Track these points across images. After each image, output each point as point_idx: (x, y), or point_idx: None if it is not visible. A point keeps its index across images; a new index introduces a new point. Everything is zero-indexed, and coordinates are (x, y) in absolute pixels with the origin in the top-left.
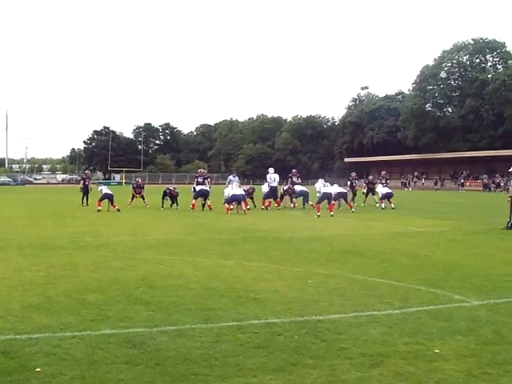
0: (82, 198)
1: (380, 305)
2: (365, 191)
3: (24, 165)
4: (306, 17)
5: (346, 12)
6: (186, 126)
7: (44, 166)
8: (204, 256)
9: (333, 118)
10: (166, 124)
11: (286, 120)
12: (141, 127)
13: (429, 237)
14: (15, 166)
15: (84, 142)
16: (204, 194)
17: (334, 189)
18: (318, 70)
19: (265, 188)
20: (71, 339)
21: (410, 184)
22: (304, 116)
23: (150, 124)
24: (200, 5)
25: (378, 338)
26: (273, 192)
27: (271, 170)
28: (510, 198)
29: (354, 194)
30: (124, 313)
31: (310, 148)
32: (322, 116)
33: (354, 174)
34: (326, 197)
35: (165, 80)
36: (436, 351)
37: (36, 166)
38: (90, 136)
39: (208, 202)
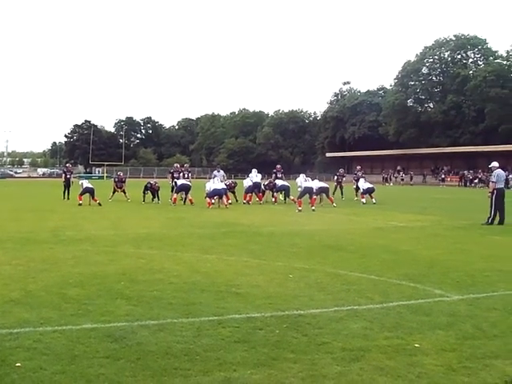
0: (64, 192)
1: (361, 299)
2: (335, 184)
3: (4, 158)
4: (289, 11)
5: (329, 7)
6: (168, 119)
7: (25, 160)
8: (185, 250)
9: (315, 113)
10: (147, 118)
11: (267, 115)
12: (122, 121)
13: (409, 232)
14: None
15: (65, 135)
16: (185, 188)
17: (316, 183)
18: (300, 64)
19: (247, 182)
20: (52, 334)
21: (391, 179)
22: (286, 111)
23: (131, 118)
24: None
25: (359, 333)
26: (255, 187)
27: (254, 170)
28: (489, 194)
29: (341, 190)
30: (105, 307)
31: (291, 143)
32: (304, 111)
33: (341, 171)
34: (307, 191)
35: (146, 74)
36: (416, 345)
37: (17, 160)
38: (71, 130)
39: (189, 197)
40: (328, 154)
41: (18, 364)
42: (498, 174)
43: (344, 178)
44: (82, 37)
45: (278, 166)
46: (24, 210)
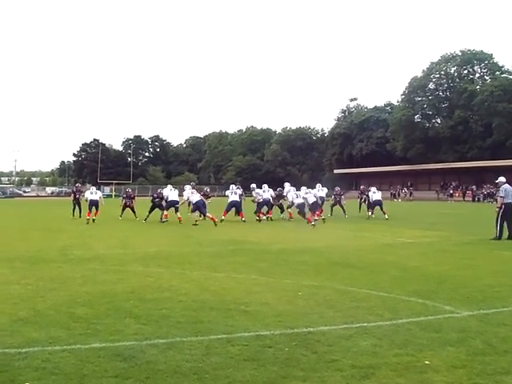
0: (73, 211)
1: (370, 316)
2: (332, 203)
3: (13, 178)
4: (296, 29)
5: (335, 24)
6: (176, 138)
7: (33, 179)
8: (193, 268)
9: (322, 130)
10: (155, 136)
11: (275, 132)
12: (130, 139)
13: (418, 248)
14: (4, 179)
15: (73, 154)
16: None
17: (310, 198)
18: (307, 81)
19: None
20: (61, 353)
21: (399, 195)
22: (293, 128)
23: (139, 136)
24: (189, 16)
25: (369, 350)
26: (266, 203)
27: (265, 186)
28: (497, 209)
29: (342, 209)
30: (114, 326)
31: (299, 159)
32: (312, 128)
33: (337, 189)
34: (299, 207)
35: (154, 92)
36: (426, 362)
37: (25, 179)
38: (80, 148)
39: (178, 215)
40: (336, 171)
41: None
42: (506, 188)
43: (343, 196)
44: (90, 57)
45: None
46: (32, 229)
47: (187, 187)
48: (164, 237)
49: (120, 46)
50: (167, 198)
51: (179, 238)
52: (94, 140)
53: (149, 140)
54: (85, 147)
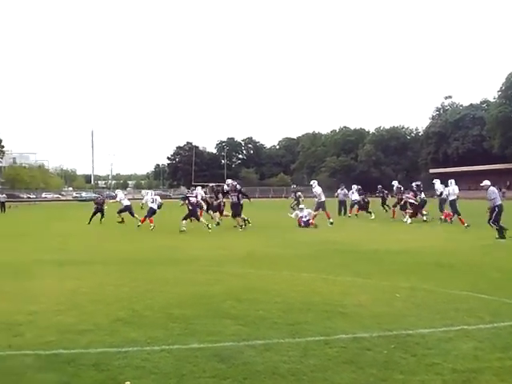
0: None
1: (470, 319)
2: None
3: (109, 181)
4: (394, 28)
5: (428, 21)
6: (269, 139)
7: (129, 182)
8: (288, 270)
9: (416, 129)
10: (248, 138)
11: (368, 132)
12: (224, 142)
13: None
14: (101, 183)
15: (168, 157)
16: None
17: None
18: (401, 80)
19: (355, 197)
20: (159, 353)
21: None
22: (387, 127)
23: (232, 138)
24: (279, 19)
25: (469, 354)
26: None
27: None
28: (489, 210)
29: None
30: (211, 327)
31: (393, 160)
32: (406, 127)
33: (380, 187)
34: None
35: (247, 95)
36: None
37: (121, 182)
38: (174, 152)
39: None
40: (431, 170)
41: (127, 382)
42: (494, 190)
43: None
44: (183, 63)
45: (380, 187)
46: (127, 231)
47: (144, 192)
48: (258, 238)
49: (214, 50)
50: (120, 201)
51: (273, 239)
52: (188, 143)
53: (242, 142)
54: (179, 150)
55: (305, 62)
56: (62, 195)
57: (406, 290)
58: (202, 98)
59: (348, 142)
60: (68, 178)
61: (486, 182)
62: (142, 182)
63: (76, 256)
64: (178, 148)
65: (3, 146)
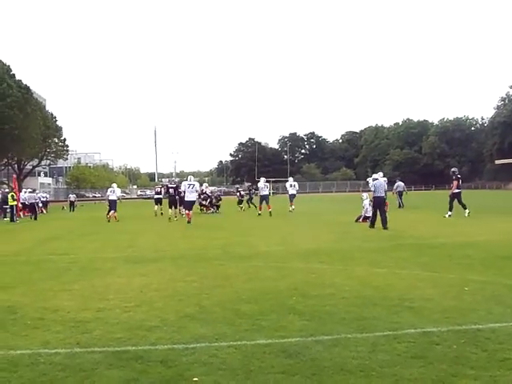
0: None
1: None
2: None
3: (173, 178)
4: (458, 17)
5: (492, 10)
6: (331, 133)
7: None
8: (354, 264)
9: (482, 119)
10: (310, 133)
11: (432, 123)
12: (286, 137)
13: None
14: (165, 180)
15: (230, 154)
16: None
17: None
18: (464, 70)
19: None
20: (227, 349)
21: None
22: (451, 118)
23: (295, 133)
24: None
25: None
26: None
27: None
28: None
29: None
30: (278, 322)
31: (458, 151)
32: (470, 117)
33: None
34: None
35: (309, 89)
36: None
37: (185, 180)
38: (236, 148)
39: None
40: (497, 161)
41: (195, 379)
42: (377, 184)
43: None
44: (246, 60)
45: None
46: (194, 227)
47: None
48: (323, 233)
49: (273, 46)
50: (108, 197)
51: (337, 234)
52: (250, 139)
53: (304, 137)
54: (241, 147)
55: (367, 55)
56: (127, 193)
57: (475, 283)
58: (263, 94)
59: (411, 134)
60: (132, 176)
61: (375, 176)
62: (206, 178)
63: (144, 253)
64: (240, 144)
65: (68, 146)
